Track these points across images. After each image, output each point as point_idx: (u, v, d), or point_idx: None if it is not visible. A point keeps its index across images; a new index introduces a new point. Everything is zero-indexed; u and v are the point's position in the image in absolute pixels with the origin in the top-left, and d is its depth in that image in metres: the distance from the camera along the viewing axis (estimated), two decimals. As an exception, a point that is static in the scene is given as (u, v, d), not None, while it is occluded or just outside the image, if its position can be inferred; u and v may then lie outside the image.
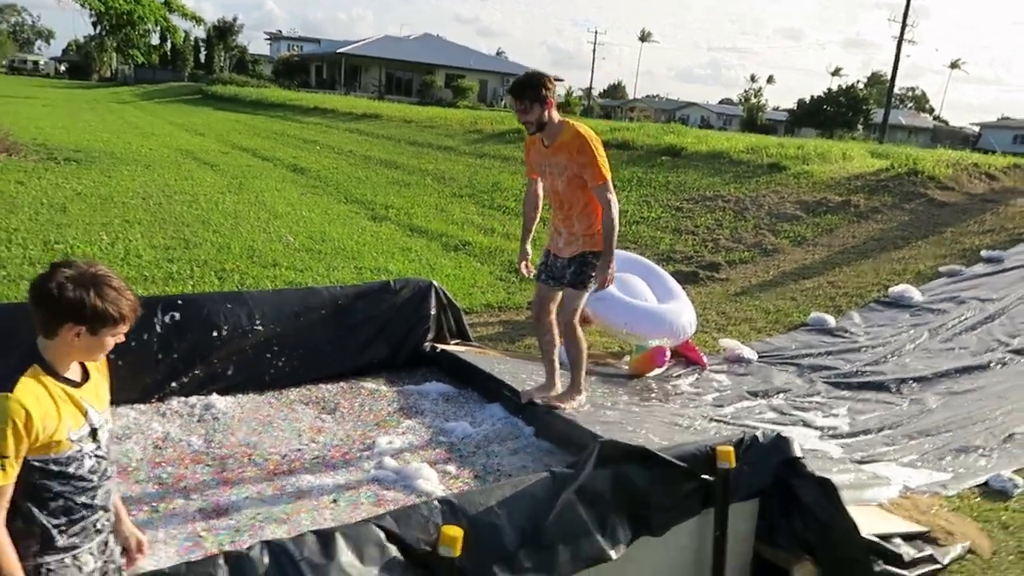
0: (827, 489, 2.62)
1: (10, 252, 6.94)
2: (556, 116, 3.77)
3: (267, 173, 14.22)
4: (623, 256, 5.92)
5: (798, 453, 2.73)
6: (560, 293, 4.00)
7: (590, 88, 73.01)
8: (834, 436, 4.52)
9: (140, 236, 7.98)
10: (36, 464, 1.81)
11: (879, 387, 5.25)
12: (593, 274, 3.87)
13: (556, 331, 4.05)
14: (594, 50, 74.52)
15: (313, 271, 7.11)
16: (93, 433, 1.91)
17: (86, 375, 1.95)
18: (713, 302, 7.14)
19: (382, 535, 1.93)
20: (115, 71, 76.08)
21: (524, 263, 4.16)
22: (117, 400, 2.49)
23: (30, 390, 1.76)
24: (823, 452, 4.20)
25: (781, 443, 2.70)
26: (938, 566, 3.02)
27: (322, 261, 7.54)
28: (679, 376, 5.32)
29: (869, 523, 2.96)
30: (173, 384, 3.99)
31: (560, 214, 3.93)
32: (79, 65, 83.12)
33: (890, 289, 7.09)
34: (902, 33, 40.07)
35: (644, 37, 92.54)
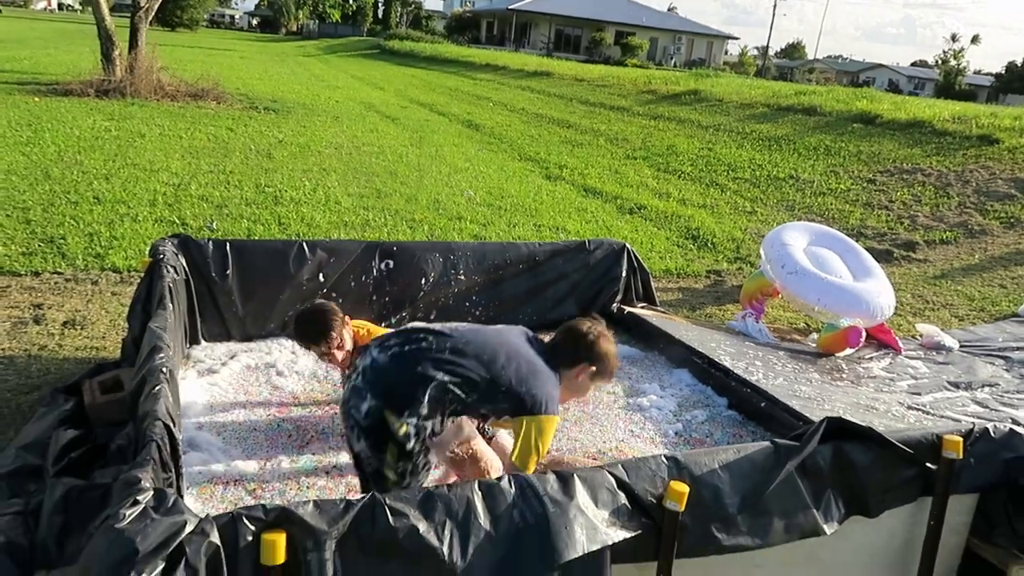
0: (1067, 493, 2.46)
1: (229, 192, 7.69)
2: None
3: (444, 128, 14.72)
4: (818, 229, 5.68)
5: (1033, 452, 2.56)
6: None
7: (767, 47, 68.97)
8: (1049, 438, 4.17)
9: (337, 184, 8.56)
10: None
11: (1105, 390, 4.76)
12: None
13: None
14: (775, 6, 70.28)
15: (495, 226, 7.35)
16: None
17: None
18: (909, 284, 6.69)
19: (613, 482, 2.04)
20: (300, 26, 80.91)
21: None
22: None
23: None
24: (1038, 454, 3.89)
25: (1016, 439, 2.55)
26: None
27: (503, 217, 7.77)
28: (871, 359, 5.07)
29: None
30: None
31: None
32: (269, 20, 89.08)
33: (1122, 283, 6.35)
34: None
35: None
